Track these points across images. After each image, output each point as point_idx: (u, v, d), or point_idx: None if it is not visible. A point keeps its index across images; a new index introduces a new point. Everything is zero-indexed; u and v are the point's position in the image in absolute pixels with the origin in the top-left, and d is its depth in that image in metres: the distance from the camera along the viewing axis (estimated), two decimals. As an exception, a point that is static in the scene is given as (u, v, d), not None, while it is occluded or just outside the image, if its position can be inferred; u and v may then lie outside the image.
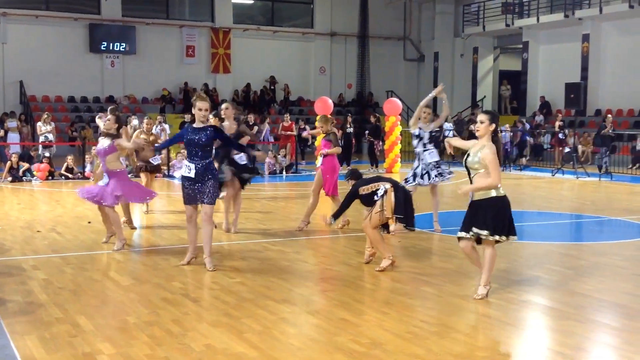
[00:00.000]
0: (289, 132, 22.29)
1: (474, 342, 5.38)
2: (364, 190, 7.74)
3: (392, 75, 34.94)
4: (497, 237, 6.37)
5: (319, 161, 10.55)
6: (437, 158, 10.10)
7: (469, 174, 6.47)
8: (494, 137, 6.45)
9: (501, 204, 6.41)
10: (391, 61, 35.07)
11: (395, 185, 7.69)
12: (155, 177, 13.48)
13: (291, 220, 11.24)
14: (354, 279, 7.38)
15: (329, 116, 10.84)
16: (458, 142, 7.26)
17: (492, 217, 6.34)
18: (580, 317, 6.03)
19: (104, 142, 8.87)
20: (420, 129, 10.02)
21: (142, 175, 11.89)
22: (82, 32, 29.10)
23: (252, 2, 33.71)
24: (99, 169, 10.11)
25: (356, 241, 9.45)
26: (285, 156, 20.81)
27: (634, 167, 21.12)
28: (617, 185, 17.57)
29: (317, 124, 10.72)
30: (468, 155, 6.45)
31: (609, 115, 21.58)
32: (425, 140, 10.02)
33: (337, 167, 10.39)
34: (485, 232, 6.34)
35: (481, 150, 6.33)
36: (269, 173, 19.75)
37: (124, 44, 29.54)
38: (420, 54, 35.52)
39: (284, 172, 19.96)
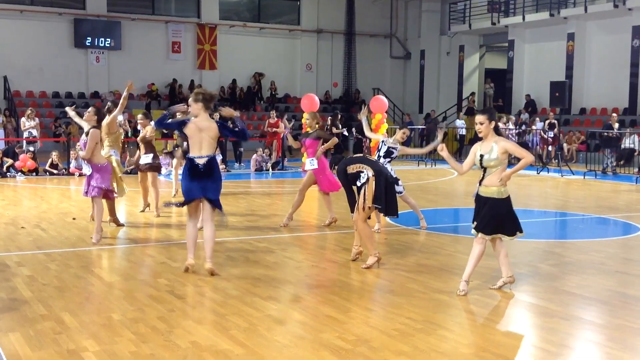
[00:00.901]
0: (275, 129, 22.25)
1: (460, 339, 5.40)
2: (351, 169, 7.71)
3: (379, 73, 35.00)
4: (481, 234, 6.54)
5: (308, 165, 10.19)
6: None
7: (484, 172, 6.56)
8: (497, 132, 6.54)
9: (502, 203, 6.53)
10: (377, 58, 35.12)
11: (378, 173, 7.60)
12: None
13: (277, 217, 11.22)
14: (340, 276, 7.39)
15: (317, 114, 10.75)
16: (458, 164, 7.13)
17: (485, 214, 6.52)
18: (564, 314, 6.07)
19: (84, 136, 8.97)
20: (382, 142, 9.98)
21: (139, 174, 11.50)
22: (67, 27, 28.90)
23: (239, -2, 33.65)
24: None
25: (343, 238, 9.46)
26: (270, 155, 20.78)
27: (619, 166, 21.24)
28: (602, 184, 17.71)
29: (305, 118, 10.59)
30: (482, 156, 6.50)
31: (614, 115, 21.52)
32: (382, 152, 9.87)
33: (326, 163, 10.08)
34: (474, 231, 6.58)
35: (496, 147, 6.41)
36: (256, 170, 19.72)
37: (109, 40, 29.37)
38: (406, 51, 35.59)
39: (270, 169, 19.94)
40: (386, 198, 7.55)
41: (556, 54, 27.87)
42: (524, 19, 28.75)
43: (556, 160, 20.96)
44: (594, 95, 27.12)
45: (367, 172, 7.60)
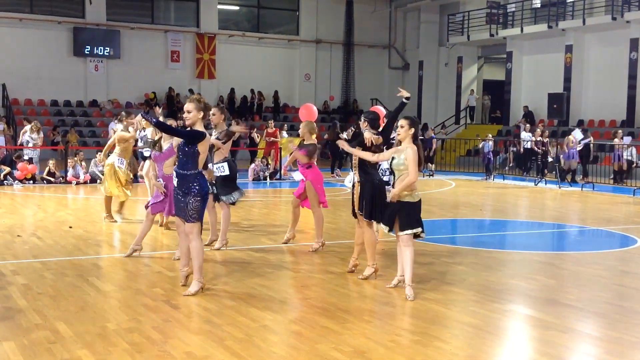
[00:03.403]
0: (273, 139, 22.27)
1: (456, 350, 5.37)
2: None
3: (377, 83, 35.09)
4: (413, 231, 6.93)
5: (298, 175, 9.55)
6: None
7: (393, 176, 6.95)
8: (415, 141, 6.88)
9: (415, 205, 6.94)
10: (376, 69, 35.22)
11: (363, 179, 7.45)
12: None
13: (274, 227, 11.20)
14: (337, 287, 7.36)
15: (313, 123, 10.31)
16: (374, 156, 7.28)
17: (405, 216, 6.89)
18: (562, 326, 6.04)
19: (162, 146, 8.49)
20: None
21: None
22: (66, 35, 28.96)
23: (238, 8, 33.71)
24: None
25: (339, 249, 9.44)
26: (268, 164, 20.78)
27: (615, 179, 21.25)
28: (599, 196, 17.70)
29: (301, 128, 9.99)
30: (393, 158, 6.90)
31: None
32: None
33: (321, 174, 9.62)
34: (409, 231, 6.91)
35: (405, 152, 6.81)
36: (253, 179, 19.71)
37: (108, 48, 29.44)
38: (405, 62, 35.69)
39: (268, 179, 19.93)
40: (372, 203, 7.47)
41: (554, 66, 27.96)
42: (522, 30, 28.85)
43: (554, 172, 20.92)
44: (592, 107, 27.18)
45: (354, 177, 7.56)
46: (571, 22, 27.10)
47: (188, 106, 6.79)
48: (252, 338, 5.53)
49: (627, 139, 21.76)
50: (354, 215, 7.68)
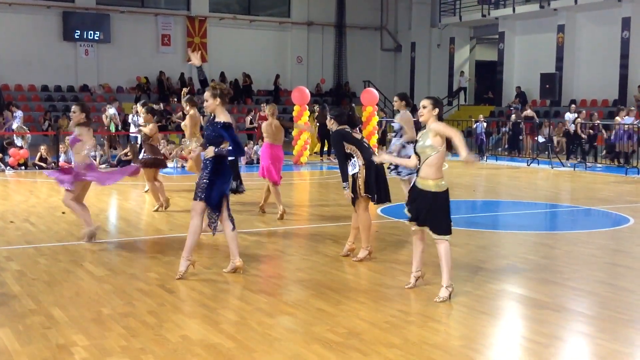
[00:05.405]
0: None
1: (451, 331, 5.40)
2: (347, 147, 7.54)
3: (369, 65, 34.97)
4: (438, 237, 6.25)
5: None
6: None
7: (419, 160, 6.21)
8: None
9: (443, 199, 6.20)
10: (368, 51, 35.10)
11: (368, 163, 7.45)
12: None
13: (268, 210, 11.19)
14: (331, 269, 7.38)
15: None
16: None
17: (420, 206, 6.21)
18: (555, 305, 6.08)
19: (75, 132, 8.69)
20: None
21: (145, 171, 10.87)
22: (56, 20, 28.73)
23: (229, -10, 33.49)
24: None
25: (334, 231, 9.45)
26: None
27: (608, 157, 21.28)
28: (591, 175, 17.76)
29: (268, 110, 10.48)
30: (417, 141, 6.24)
31: None
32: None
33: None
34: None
35: (430, 131, 6.09)
36: (247, 163, 19.67)
37: (98, 33, 29.21)
38: (397, 44, 35.58)
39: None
40: (377, 186, 7.50)
41: (546, 46, 27.92)
42: (514, 10, 28.77)
43: (546, 152, 20.93)
44: (584, 87, 27.20)
45: (358, 161, 7.52)
46: (563, 1, 27.03)
47: (205, 95, 6.95)
48: (246, 321, 5.54)
49: (629, 119, 21.28)
50: (354, 203, 7.64)
